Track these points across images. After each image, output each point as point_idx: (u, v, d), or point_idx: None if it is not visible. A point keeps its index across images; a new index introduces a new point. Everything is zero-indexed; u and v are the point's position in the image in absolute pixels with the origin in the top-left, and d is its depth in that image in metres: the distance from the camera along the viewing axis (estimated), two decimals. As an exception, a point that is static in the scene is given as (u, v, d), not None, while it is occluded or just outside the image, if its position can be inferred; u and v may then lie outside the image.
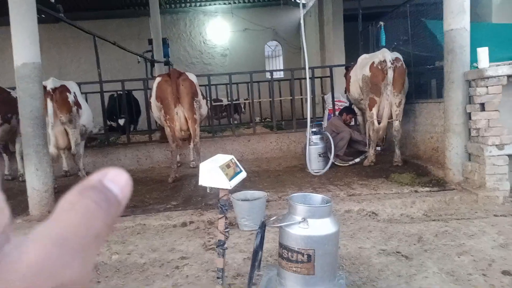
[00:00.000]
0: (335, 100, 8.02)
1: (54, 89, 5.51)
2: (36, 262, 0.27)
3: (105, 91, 7.64)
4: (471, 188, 4.30)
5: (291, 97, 8.08)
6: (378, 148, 6.29)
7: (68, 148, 5.82)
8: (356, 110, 6.97)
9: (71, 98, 5.70)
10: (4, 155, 6.80)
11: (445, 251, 3.04)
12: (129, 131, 7.78)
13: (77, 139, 5.73)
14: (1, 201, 0.30)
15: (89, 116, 6.35)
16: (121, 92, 7.75)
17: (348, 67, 7.16)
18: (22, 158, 5.79)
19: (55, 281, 0.27)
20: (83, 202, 0.31)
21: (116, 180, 0.34)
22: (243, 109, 11.36)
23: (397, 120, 5.71)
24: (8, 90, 6.36)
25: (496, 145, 4.15)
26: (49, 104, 5.35)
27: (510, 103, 4.34)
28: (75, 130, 5.69)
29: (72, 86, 5.94)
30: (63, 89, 5.64)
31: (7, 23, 4.39)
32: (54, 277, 0.27)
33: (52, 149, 5.41)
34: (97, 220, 0.31)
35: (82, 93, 7.40)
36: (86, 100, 7.55)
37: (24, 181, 5.03)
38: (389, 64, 5.52)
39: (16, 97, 4.69)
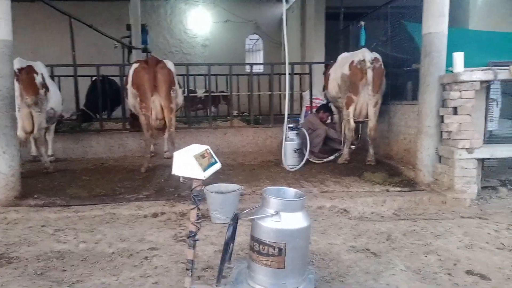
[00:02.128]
0: (313, 97, 8.07)
1: (20, 70, 5.29)
2: None
3: (79, 75, 7.42)
4: (440, 189, 4.41)
5: (269, 92, 8.07)
6: (353, 147, 6.37)
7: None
8: (333, 108, 7.02)
9: (38, 79, 5.48)
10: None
11: (413, 250, 3.11)
12: (101, 117, 7.58)
13: (42, 122, 5.52)
14: None
15: (58, 99, 6.13)
16: (99, 78, 7.52)
17: (328, 65, 7.20)
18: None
19: None
20: None
21: None
22: (221, 100, 11.24)
23: (373, 120, 5.78)
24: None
25: (466, 148, 4.26)
26: (16, 85, 5.14)
27: (482, 108, 4.46)
28: (40, 114, 5.47)
29: (40, 67, 5.70)
30: (30, 70, 5.42)
31: (-24, -3, 4.18)
32: None
33: (20, 133, 5.22)
34: None
35: (55, 76, 7.17)
36: (59, 84, 7.32)
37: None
38: (368, 64, 5.57)
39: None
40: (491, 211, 4.07)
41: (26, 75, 5.32)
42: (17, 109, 5.13)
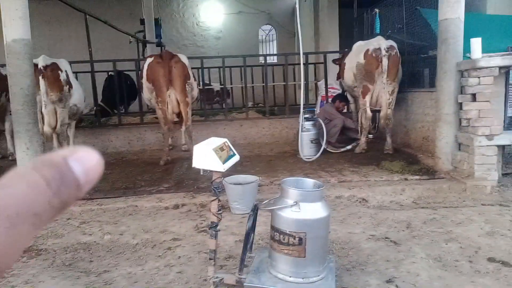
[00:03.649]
0: (328, 87, 8.03)
1: (46, 67, 5.41)
2: None
3: (96, 71, 7.54)
4: (460, 177, 4.38)
5: (284, 83, 8.05)
6: (370, 136, 6.34)
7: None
8: (349, 97, 6.99)
9: (62, 76, 5.61)
10: (-6, 133, 6.72)
11: (433, 238, 3.11)
12: (119, 112, 7.70)
13: (64, 118, 5.65)
14: None
15: (80, 95, 6.26)
16: (115, 73, 7.63)
17: (337, 59, 7.15)
18: (12, 136, 5.73)
19: None
20: (33, 176, 0.28)
21: (83, 160, 0.31)
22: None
23: (389, 108, 5.74)
24: (-2, 66, 6.24)
25: (486, 135, 4.21)
26: (41, 82, 5.26)
27: (501, 94, 4.39)
28: (64, 110, 5.61)
29: (64, 65, 5.83)
30: (55, 67, 5.54)
31: (-3, -2, 4.28)
32: None
33: (46, 128, 5.35)
34: (41, 199, 0.28)
35: (73, 72, 7.29)
36: (77, 80, 7.44)
37: (14, 159, 5.00)
38: (383, 52, 5.52)
39: (6, 74, 4.60)
40: (512, 198, 4.03)
41: (51, 72, 5.44)
42: (43, 106, 5.27)
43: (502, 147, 4.41)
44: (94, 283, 2.53)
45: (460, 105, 4.50)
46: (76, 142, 6.84)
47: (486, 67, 4.19)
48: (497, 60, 4.17)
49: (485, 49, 4.36)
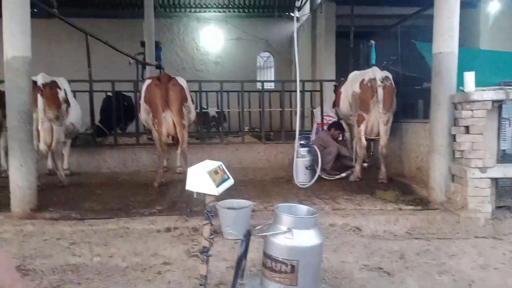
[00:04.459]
0: (324, 114, 8.11)
1: (45, 85, 5.45)
2: None
3: (94, 91, 7.58)
4: (454, 208, 4.38)
5: (280, 109, 8.12)
6: (365, 164, 6.36)
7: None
8: (344, 125, 7.05)
9: (61, 94, 5.64)
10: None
11: (426, 269, 3.09)
12: (116, 132, 7.71)
13: (60, 136, 5.65)
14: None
15: (78, 114, 6.29)
16: (114, 94, 7.69)
17: (337, 85, 7.26)
18: (6, 153, 5.69)
19: None
20: None
21: None
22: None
23: (384, 138, 5.79)
24: (-4, 83, 6.25)
25: (479, 167, 4.24)
26: (40, 99, 5.28)
27: (494, 127, 4.45)
28: (60, 128, 5.61)
29: (63, 83, 5.88)
30: (54, 85, 5.58)
31: (-1, 14, 4.34)
32: None
33: (42, 146, 5.34)
34: None
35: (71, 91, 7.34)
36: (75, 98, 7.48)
37: (7, 176, 4.94)
38: (379, 83, 5.61)
39: (3, 90, 4.62)
40: (506, 231, 4.02)
41: (49, 90, 5.47)
42: (40, 123, 5.27)
43: (495, 180, 4.43)
44: (80, 306, 2.47)
45: (453, 137, 4.55)
46: (70, 160, 6.80)
47: (479, 101, 4.25)
48: (490, 94, 4.24)
49: (478, 83, 4.44)
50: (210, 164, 2.43)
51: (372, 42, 7.47)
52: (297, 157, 5.83)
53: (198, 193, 2.31)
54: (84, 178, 6.47)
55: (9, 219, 4.07)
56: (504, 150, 4.47)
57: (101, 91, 8.36)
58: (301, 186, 5.63)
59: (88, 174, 6.90)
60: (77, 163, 7.14)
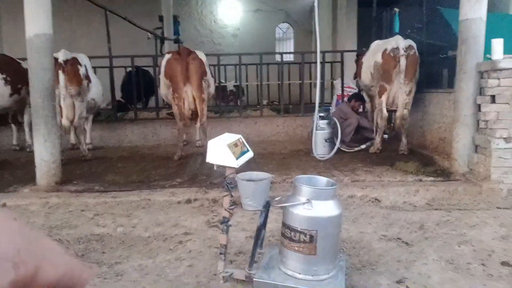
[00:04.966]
0: (344, 86, 7.97)
1: (66, 61, 5.52)
2: None
3: (114, 66, 7.64)
4: (476, 179, 4.30)
5: (300, 81, 8.02)
6: (385, 136, 6.27)
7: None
8: (365, 97, 6.92)
9: (82, 71, 5.71)
10: (13, 125, 6.87)
11: (446, 240, 3.07)
12: (136, 107, 7.80)
13: (82, 112, 5.76)
14: None
15: (98, 90, 6.37)
16: (135, 69, 7.75)
17: (360, 54, 7.08)
18: (30, 129, 5.86)
19: None
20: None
21: None
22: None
23: (406, 108, 5.66)
24: (19, 60, 6.37)
25: (504, 138, 4.12)
26: (61, 76, 5.37)
27: (522, 96, 4.28)
28: (82, 104, 5.71)
29: (83, 59, 5.95)
30: (74, 62, 5.65)
31: (20, -8, 4.37)
32: None
33: (65, 121, 5.47)
34: None
35: (92, 67, 7.42)
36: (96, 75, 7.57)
37: (31, 151, 5.10)
38: (402, 52, 5.45)
39: (27, 68, 4.71)
40: (529, 202, 3.94)
41: (70, 66, 5.55)
42: (62, 99, 5.38)
43: (520, 151, 4.31)
44: (106, 274, 2.58)
45: (478, 107, 4.42)
46: (92, 135, 6.96)
47: (507, 69, 4.09)
48: (518, 62, 4.08)
49: (507, 51, 4.26)
50: (229, 137, 2.44)
51: (396, 10, 7.20)
52: (316, 129, 5.79)
53: (218, 166, 2.34)
54: (107, 152, 6.62)
55: (35, 192, 4.24)
56: (531, 120, 4.32)
57: (121, 67, 8.43)
58: (320, 158, 5.61)
59: (110, 148, 7.05)
60: (100, 138, 7.30)
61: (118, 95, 8.50)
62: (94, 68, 7.50)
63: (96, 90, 6.24)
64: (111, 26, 7.81)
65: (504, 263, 2.68)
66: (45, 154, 4.46)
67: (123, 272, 2.61)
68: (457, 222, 3.44)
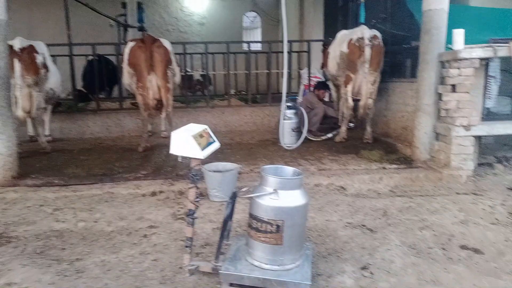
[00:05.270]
0: (311, 75, 8.01)
1: (22, 49, 5.24)
2: None
3: (74, 55, 7.33)
4: (437, 166, 4.44)
5: (267, 71, 7.99)
6: (351, 125, 6.37)
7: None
8: (331, 86, 6.98)
9: (39, 59, 5.44)
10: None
11: (408, 226, 3.15)
12: (98, 97, 7.54)
13: (40, 102, 5.50)
14: None
15: (57, 79, 6.09)
16: (97, 57, 7.46)
17: (326, 44, 7.11)
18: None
19: None
20: None
21: None
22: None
23: (370, 98, 5.75)
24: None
25: (463, 126, 4.27)
26: (17, 65, 5.10)
27: (480, 85, 4.44)
28: (40, 94, 5.45)
29: (41, 47, 5.66)
30: (31, 50, 5.37)
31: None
32: None
33: (20, 113, 5.21)
34: None
35: (50, 55, 7.08)
36: (55, 63, 7.24)
37: (-14, 144, 4.82)
38: (366, 42, 5.51)
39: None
40: (486, 187, 4.11)
41: (27, 55, 5.27)
42: (18, 89, 5.11)
43: (478, 138, 4.48)
44: (65, 271, 2.47)
45: (439, 96, 4.54)
46: (52, 126, 6.67)
47: (467, 59, 4.21)
48: (478, 52, 4.20)
49: (467, 41, 4.38)
50: (195, 128, 2.38)
51: (362, 0, 7.27)
52: (283, 119, 5.79)
53: (183, 157, 2.27)
54: (67, 144, 6.37)
55: (-10, 187, 4.02)
56: (488, 108, 4.49)
57: (82, 55, 8.10)
58: (287, 148, 5.63)
59: (71, 140, 6.80)
60: (60, 130, 7.02)
61: (79, 84, 8.17)
62: (53, 56, 7.17)
63: (55, 80, 5.96)
64: (71, 12, 7.48)
65: (463, 247, 2.78)
66: (0, 148, 4.23)
67: (85, 268, 2.51)
68: (419, 208, 3.54)
